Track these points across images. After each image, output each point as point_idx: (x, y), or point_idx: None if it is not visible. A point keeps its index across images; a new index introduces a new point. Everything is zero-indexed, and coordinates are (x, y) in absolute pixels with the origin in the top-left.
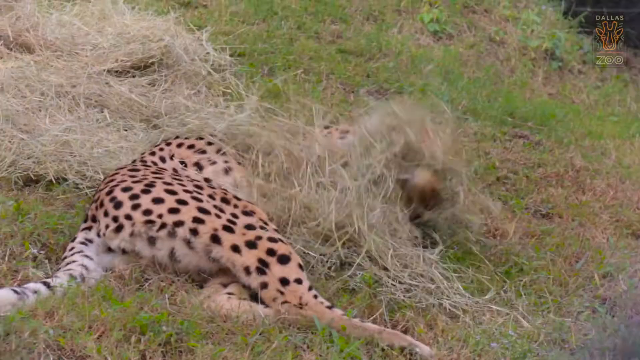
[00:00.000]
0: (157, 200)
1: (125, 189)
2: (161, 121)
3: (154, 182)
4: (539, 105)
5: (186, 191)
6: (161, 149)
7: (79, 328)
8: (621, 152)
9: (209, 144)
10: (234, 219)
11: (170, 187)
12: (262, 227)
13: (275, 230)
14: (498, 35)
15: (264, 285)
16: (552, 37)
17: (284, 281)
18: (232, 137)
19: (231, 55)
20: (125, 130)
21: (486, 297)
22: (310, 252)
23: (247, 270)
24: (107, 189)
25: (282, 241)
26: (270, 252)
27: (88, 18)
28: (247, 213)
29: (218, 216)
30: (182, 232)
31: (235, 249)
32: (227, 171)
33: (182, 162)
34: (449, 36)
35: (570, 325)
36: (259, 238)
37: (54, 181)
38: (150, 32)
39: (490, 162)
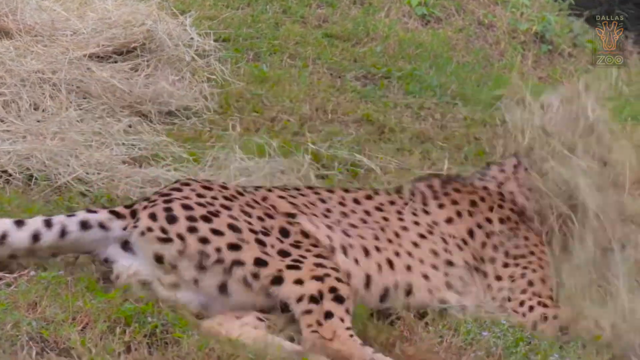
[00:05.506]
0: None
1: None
2: (144, 108)
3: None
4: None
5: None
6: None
7: (63, 320)
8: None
9: None
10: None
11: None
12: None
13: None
14: (487, 18)
15: (309, 312)
16: (542, 20)
17: (328, 315)
18: None
19: (215, 41)
20: (108, 117)
21: None
22: None
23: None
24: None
25: (348, 284)
26: (332, 289)
27: (69, 3)
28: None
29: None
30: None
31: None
32: None
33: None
34: (437, 20)
35: None
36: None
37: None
38: (133, 16)
39: (480, 147)
